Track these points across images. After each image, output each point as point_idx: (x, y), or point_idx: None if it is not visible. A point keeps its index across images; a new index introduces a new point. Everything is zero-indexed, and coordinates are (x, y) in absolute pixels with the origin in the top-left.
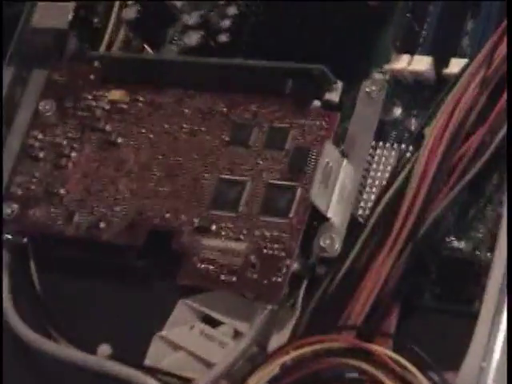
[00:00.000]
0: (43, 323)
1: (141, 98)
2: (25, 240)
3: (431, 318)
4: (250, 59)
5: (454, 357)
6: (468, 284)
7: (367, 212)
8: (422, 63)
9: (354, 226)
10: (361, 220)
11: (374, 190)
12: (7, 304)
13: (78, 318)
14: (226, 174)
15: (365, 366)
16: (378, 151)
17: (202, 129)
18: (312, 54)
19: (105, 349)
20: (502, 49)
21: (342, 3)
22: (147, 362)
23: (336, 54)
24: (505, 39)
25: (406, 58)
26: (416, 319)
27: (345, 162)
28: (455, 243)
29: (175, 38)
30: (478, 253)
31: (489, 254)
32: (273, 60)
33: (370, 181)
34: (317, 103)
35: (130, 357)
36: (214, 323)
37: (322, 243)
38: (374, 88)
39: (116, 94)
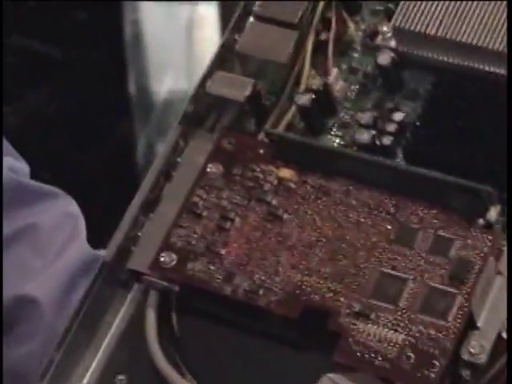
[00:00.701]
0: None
1: (310, 181)
2: (177, 288)
3: None
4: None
5: None
6: None
7: None
8: None
9: (499, 340)
10: (505, 335)
11: None
12: (154, 345)
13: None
14: (388, 269)
15: None
16: None
17: (369, 222)
18: (471, 169)
19: None
20: None
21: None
22: None
23: (496, 175)
24: None
25: None
26: None
27: (499, 277)
28: None
29: (334, 130)
30: None
31: None
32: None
33: None
34: (481, 221)
35: None
36: None
37: (471, 349)
38: None
39: (285, 172)
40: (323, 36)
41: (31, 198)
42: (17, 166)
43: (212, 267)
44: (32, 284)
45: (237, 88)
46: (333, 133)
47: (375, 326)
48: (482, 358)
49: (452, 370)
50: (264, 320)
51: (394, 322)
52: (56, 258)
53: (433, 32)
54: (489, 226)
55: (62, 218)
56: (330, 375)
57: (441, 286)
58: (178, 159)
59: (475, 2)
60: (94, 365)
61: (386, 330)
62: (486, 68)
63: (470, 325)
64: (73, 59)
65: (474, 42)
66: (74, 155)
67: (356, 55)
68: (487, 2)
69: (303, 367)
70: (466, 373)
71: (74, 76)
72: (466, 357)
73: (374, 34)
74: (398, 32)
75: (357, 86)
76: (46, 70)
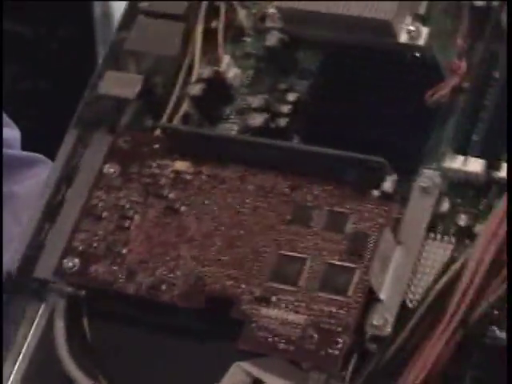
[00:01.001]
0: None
1: (204, 171)
2: (83, 293)
3: None
4: (306, 144)
5: None
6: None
7: (416, 297)
8: (475, 165)
9: (404, 310)
10: (410, 305)
11: (425, 277)
12: (63, 351)
13: (127, 372)
14: (287, 250)
15: None
16: (431, 242)
17: (265, 205)
18: (368, 144)
19: None
20: None
21: (396, 99)
22: None
23: (393, 145)
24: None
25: (460, 158)
26: None
27: (399, 249)
28: (497, 332)
29: (231, 117)
30: None
31: None
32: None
33: (421, 268)
34: (376, 192)
35: None
36: None
37: (375, 322)
38: (428, 183)
39: (180, 165)
40: (213, 24)
41: (13, 167)
42: (8, 134)
43: (114, 267)
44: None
45: (127, 86)
46: (231, 120)
47: (277, 309)
48: (386, 331)
49: (359, 345)
50: (170, 314)
51: (296, 303)
52: None
53: (315, 8)
54: (386, 197)
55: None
56: (240, 363)
57: (339, 262)
58: None
59: None
60: (12, 377)
61: (288, 312)
62: (371, 39)
63: (372, 298)
64: (42, 37)
65: (356, 13)
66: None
67: (249, 40)
68: None
69: (213, 357)
70: (372, 346)
71: (44, 54)
72: (370, 330)
73: (263, 17)
74: (283, 12)
75: (252, 71)
76: (16, 49)
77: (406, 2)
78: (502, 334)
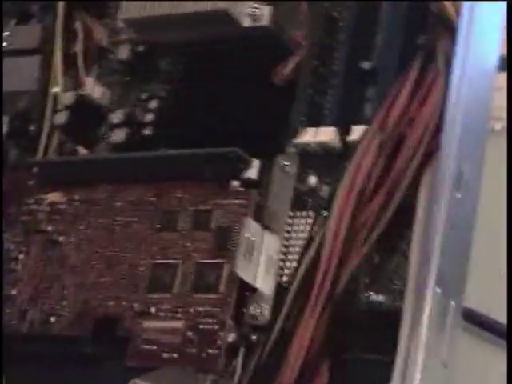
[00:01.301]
0: None
1: (76, 197)
2: None
3: (359, 369)
4: (172, 149)
5: None
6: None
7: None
8: (326, 134)
9: (281, 293)
10: (286, 286)
11: (295, 256)
12: None
13: None
14: (159, 259)
15: None
16: (297, 220)
17: (135, 219)
18: (228, 137)
19: None
20: (395, 112)
21: (248, 85)
22: None
23: (251, 132)
24: (397, 103)
25: (311, 130)
26: (345, 371)
27: (266, 234)
28: (374, 297)
29: (105, 137)
30: (396, 303)
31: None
32: (193, 147)
33: (291, 249)
34: (235, 183)
35: None
36: None
37: (252, 312)
38: (286, 162)
39: (53, 196)
40: (74, 49)
41: None
42: None
43: (8, 310)
44: None
45: None
46: (106, 140)
47: (156, 320)
48: (264, 319)
49: (244, 338)
50: (66, 344)
51: (174, 309)
52: None
53: (156, 12)
54: (252, 185)
55: None
56: (137, 380)
57: (208, 260)
58: None
59: None
60: None
61: (168, 320)
62: (217, 31)
63: (248, 289)
64: None
65: (197, 9)
66: None
67: (112, 56)
68: None
69: (111, 379)
70: (254, 336)
71: None
72: (248, 321)
73: (116, 31)
74: (130, 23)
75: (118, 87)
76: None
77: None
78: (379, 298)
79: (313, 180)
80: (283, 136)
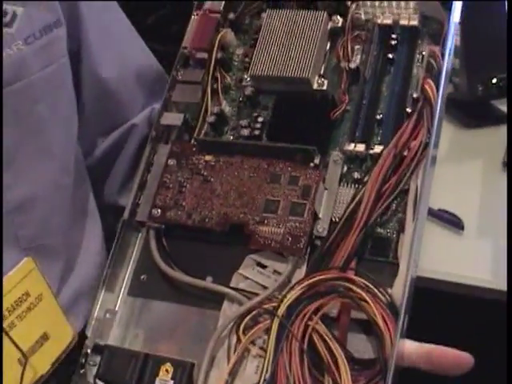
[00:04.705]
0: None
1: (221, 160)
2: (163, 227)
3: (369, 266)
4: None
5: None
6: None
7: (338, 215)
8: (360, 147)
9: (332, 223)
10: (334, 219)
11: (340, 205)
12: (156, 254)
13: (189, 267)
14: (270, 197)
15: (346, 284)
16: (340, 188)
17: (255, 175)
18: (305, 140)
19: (209, 279)
20: (402, 139)
21: (314, 117)
22: (232, 284)
23: (318, 140)
24: (403, 135)
25: (352, 144)
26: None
27: (326, 192)
28: (379, 229)
29: (229, 132)
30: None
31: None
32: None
33: (337, 203)
34: (312, 165)
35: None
36: (264, 267)
37: (319, 229)
38: (337, 158)
39: (208, 158)
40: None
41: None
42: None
43: (179, 212)
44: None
45: (176, 117)
46: (229, 133)
47: (268, 227)
48: (324, 233)
49: (312, 242)
50: (211, 235)
51: (277, 223)
52: None
53: (268, 73)
54: (316, 167)
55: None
56: (251, 255)
57: (297, 200)
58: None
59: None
60: (127, 275)
61: (275, 227)
62: (299, 89)
63: (316, 217)
64: None
65: (290, 74)
66: None
67: (233, 92)
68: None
69: (233, 257)
70: (317, 242)
71: None
72: (316, 233)
73: (240, 80)
74: (253, 77)
75: (236, 108)
76: None
77: (316, 66)
78: (382, 231)
79: (348, 168)
80: (333, 143)
